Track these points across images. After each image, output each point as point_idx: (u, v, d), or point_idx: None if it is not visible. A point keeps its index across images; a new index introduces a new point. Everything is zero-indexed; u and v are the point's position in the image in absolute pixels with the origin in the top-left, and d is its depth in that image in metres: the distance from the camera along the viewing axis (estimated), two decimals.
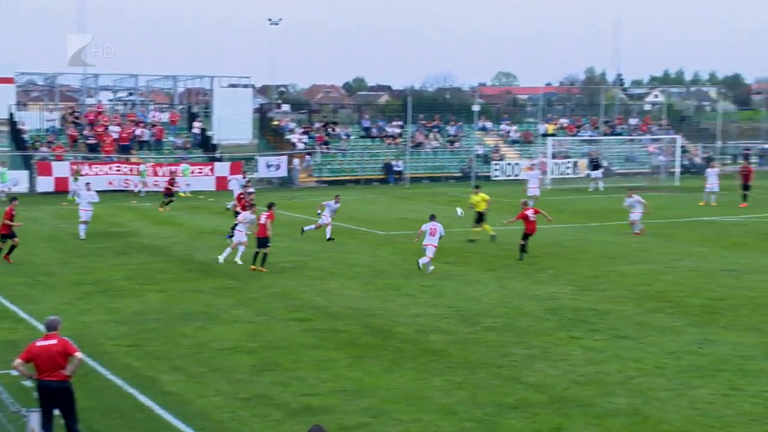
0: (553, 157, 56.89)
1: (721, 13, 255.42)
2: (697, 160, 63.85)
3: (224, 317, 18.94)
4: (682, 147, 60.69)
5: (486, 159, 59.41)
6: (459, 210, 30.03)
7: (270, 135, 59.78)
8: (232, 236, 26.96)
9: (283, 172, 54.04)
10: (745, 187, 40.62)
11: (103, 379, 14.48)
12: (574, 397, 13.53)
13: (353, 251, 27.58)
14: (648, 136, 64.48)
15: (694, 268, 24.35)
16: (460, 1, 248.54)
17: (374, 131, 61.17)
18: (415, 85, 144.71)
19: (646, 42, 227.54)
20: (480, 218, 30.04)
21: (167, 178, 43.45)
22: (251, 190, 31.05)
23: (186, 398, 13.56)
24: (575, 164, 59.56)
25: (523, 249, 26.18)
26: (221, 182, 49.80)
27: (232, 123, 57.59)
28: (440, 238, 24.31)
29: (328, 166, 56.49)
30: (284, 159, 54.67)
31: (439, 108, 74.62)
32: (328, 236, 29.67)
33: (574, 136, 63.74)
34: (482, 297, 20.93)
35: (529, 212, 26.57)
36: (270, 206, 25.21)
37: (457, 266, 25.05)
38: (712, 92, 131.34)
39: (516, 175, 57.56)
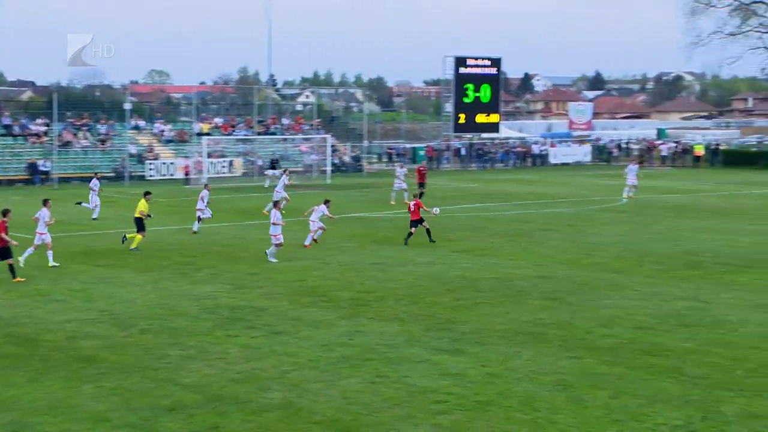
0: (209, 156, 56.87)
1: (364, 16, 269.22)
2: (347, 158, 66.85)
3: None
4: (333, 146, 63.20)
5: (140, 158, 58.06)
6: (436, 209, 31.24)
7: None
8: None
9: None
10: (421, 186, 43.08)
11: None
12: (230, 394, 13.60)
13: None
14: (300, 136, 66.43)
15: (345, 263, 25.43)
16: None
17: (16, 129, 57.49)
18: (62, 82, 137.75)
19: (296, 43, 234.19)
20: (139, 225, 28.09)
21: None
22: None
23: None
24: (231, 163, 60.03)
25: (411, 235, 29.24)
26: None
27: None
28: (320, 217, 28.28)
29: None
30: None
31: (89, 106, 71.66)
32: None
33: (229, 135, 64.15)
34: (137, 299, 20.43)
35: (411, 204, 29.73)
36: (4, 213, 22.59)
37: (111, 269, 24.25)
38: (359, 94, 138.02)
39: (171, 175, 56.83)
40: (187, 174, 54.91)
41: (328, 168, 59.02)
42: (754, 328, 17.63)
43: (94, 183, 37.50)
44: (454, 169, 69.65)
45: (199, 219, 31.76)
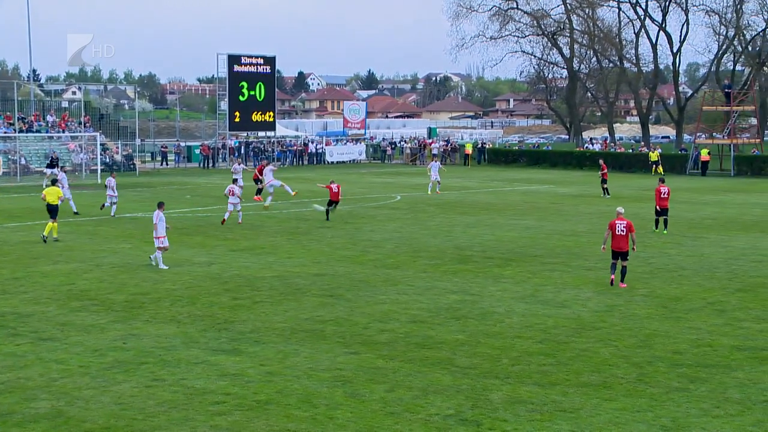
0: None
1: (130, 11, 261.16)
2: (118, 157, 64.66)
3: None
4: (103, 144, 60.94)
5: None
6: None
7: None
8: None
9: None
10: (258, 182, 42.88)
11: None
12: None
13: None
14: (67, 134, 63.58)
15: (118, 265, 24.59)
16: None
17: None
18: None
19: (59, 38, 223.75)
20: (52, 212, 29.20)
21: None
22: None
23: None
24: None
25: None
26: None
27: None
28: None
29: None
30: None
31: None
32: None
33: None
34: None
35: (333, 186, 35.21)
36: None
37: None
38: (130, 91, 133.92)
39: None
40: None
41: (98, 167, 56.81)
42: (518, 319, 18.59)
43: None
44: (230, 168, 68.88)
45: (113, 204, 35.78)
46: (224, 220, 33.36)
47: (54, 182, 31.62)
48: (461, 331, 17.46)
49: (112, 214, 35.49)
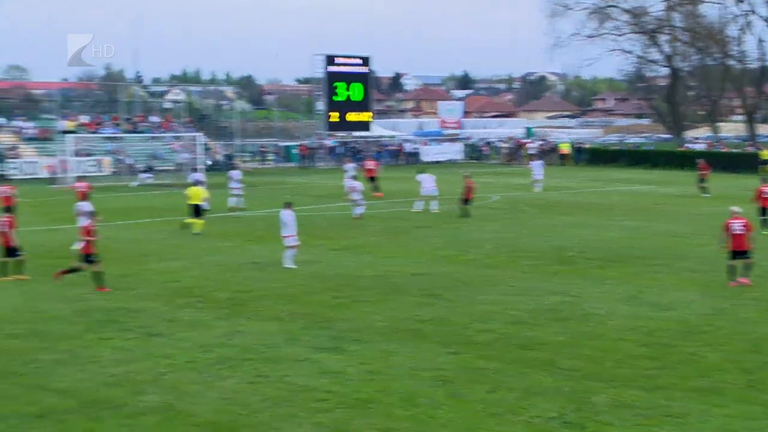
0: (75, 154, 55.16)
1: (229, 14, 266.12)
2: (219, 157, 65.97)
3: None
4: (204, 144, 62.29)
5: (1, 157, 55.83)
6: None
7: None
8: None
9: None
10: (372, 180, 44.73)
11: None
12: (104, 399, 13.21)
13: None
14: (171, 134, 65.15)
15: (221, 263, 25.07)
16: None
17: None
18: None
19: (162, 40, 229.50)
20: (197, 212, 31.16)
21: None
22: None
23: None
24: (99, 162, 58.40)
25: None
26: None
27: None
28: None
29: None
30: None
31: None
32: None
33: (95, 133, 62.35)
34: (1, 302, 19.60)
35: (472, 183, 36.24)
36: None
37: None
38: (229, 92, 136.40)
39: (34, 174, 54.93)
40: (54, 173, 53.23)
41: (201, 166, 58.02)
42: (621, 321, 18.24)
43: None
44: (329, 168, 69.63)
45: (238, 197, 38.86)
46: (357, 217, 35.04)
47: (197, 183, 33.23)
48: (562, 333, 17.23)
49: (237, 206, 38.15)
